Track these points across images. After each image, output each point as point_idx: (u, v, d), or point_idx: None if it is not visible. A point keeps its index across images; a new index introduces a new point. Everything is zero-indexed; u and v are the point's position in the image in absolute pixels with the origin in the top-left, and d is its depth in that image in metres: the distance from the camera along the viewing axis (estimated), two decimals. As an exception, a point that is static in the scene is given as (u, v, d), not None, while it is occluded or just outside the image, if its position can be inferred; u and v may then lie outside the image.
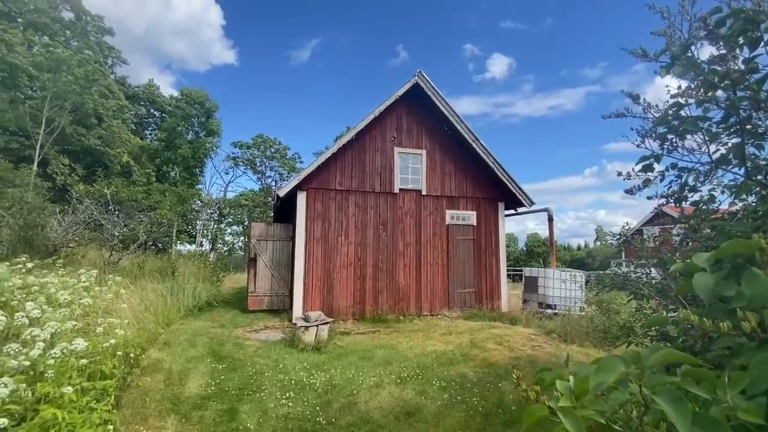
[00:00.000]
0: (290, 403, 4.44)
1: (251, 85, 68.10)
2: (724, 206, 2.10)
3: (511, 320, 8.77)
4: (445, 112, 9.88)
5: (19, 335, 3.49)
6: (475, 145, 10.03)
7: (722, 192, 2.08)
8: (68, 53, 22.07)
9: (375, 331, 7.84)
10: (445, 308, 9.78)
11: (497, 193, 10.62)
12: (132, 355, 4.78)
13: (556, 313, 9.40)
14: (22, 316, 3.50)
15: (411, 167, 10.05)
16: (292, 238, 9.51)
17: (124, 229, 10.97)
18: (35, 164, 20.48)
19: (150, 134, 33.73)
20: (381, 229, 9.59)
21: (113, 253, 10.10)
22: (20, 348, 3.05)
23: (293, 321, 7.95)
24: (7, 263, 5.34)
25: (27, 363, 2.98)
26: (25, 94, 21.76)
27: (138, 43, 51.74)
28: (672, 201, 2.06)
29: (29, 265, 5.36)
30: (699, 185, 2.03)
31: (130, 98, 29.98)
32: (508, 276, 12.58)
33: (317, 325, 6.77)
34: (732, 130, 1.82)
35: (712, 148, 1.86)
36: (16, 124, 20.30)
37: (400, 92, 9.57)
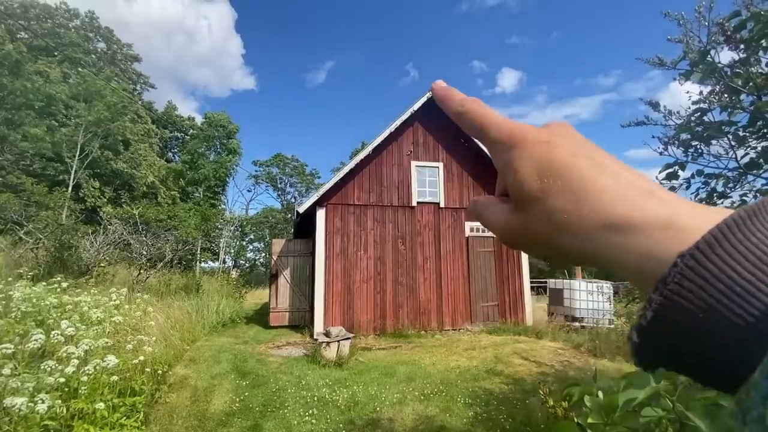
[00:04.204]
0: (313, 420, 4.42)
1: (270, 107, 70.97)
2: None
3: (536, 334, 8.53)
4: (461, 124, 9.90)
5: (54, 353, 3.64)
6: (492, 157, 9.97)
7: (755, 197, 2.00)
8: (102, 83, 23.39)
9: (396, 346, 7.75)
10: (468, 322, 9.60)
11: (517, 203, 10.46)
12: (159, 371, 4.88)
13: (583, 326, 9.08)
14: (58, 334, 3.65)
15: (428, 180, 10.06)
16: (312, 254, 9.60)
17: (152, 249, 11.33)
18: (69, 188, 21.54)
19: (174, 156, 35.05)
20: (400, 242, 9.58)
21: (141, 271, 10.43)
22: (56, 365, 3.17)
23: (314, 337, 7.96)
24: (44, 283, 5.59)
25: (62, 380, 3.10)
26: (61, 122, 23.05)
27: (165, 73, 54.80)
28: (700, 208, 1.99)
29: (64, 284, 5.59)
30: (729, 191, 1.97)
31: (155, 122, 31.34)
32: (532, 288, 12.28)
33: (338, 341, 6.76)
34: (760, 133, 1.76)
35: (740, 152, 1.80)
36: (53, 151, 21.47)
37: (416, 106, 9.67)
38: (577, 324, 9.38)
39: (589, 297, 9.79)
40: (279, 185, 38.45)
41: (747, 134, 1.79)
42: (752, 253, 0.18)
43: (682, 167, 1.72)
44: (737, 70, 1.68)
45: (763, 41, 1.63)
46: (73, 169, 21.94)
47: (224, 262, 29.90)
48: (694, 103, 1.66)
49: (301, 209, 9.12)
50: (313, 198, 9.11)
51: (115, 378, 3.54)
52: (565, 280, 10.76)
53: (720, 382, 0.19)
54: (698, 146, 1.70)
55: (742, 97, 1.56)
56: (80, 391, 3.20)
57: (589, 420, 0.72)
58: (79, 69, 24.88)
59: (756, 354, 0.17)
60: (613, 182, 0.24)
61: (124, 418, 3.50)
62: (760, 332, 0.17)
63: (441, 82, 0.36)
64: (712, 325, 0.18)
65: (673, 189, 1.78)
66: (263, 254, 33.61)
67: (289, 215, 32.75)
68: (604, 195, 0.23)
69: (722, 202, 2.06)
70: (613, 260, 0.23)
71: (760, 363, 0.16)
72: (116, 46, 28.81)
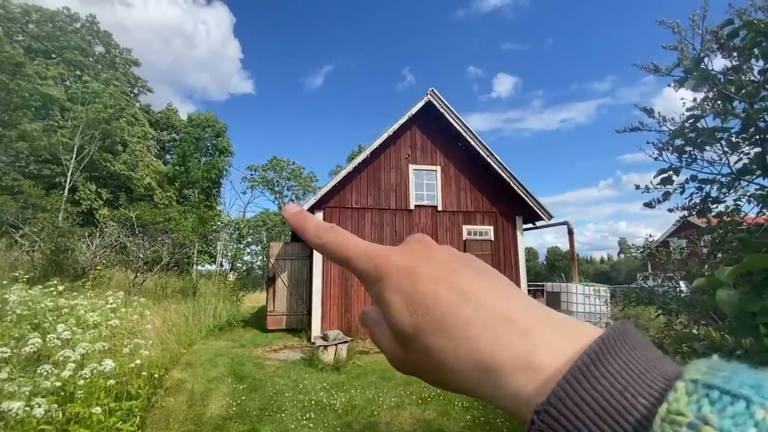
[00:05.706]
0: (311, 424, 4.40)
1: (267, 111, 71.34)
2: (752, 215, 2.04)
3: (533, 337, 8.54)
4: (459, 128, 9.94)
5: (50, 356, 3.62)
6: (489, 160, 10.01)
7: (748, 202, 2.03)
8: (101, 87, 23.35)
9: (394, 349, 7.74)
10: (465, 325, 9.59)
11: (514, 207, 10.51)
12: (156, 375, 4.86)
13: (580, 330, 9.10)
14: (54, 338, 3.63)
15: (426, 183, 10.08)
16: (310, 257, 9.60)
17: (149, 251, 11.28)
18: (66, 190, 21.43)
19: (171, 158, 34.88)
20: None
21: (138, 274, 10.37)
22: (52, 369, 3.15)
23: (312, 340, 7.94)
24: (40, 286, 5.56)
25: (58, 384, 3.08)
26: (59, 123, 22.96)
27: (163, 76, 54.95)
28: (694, 213, 2.02)
29: (60, 287, 5.56)
30: (723, 196, 1.99)
31: (153, 124, 31.21)
32: (530, 291, 12.31)
33: (336, 345, 6.74)
34: (753, 139, 1.79)
35: (734, 158, 1.83)
36: (49, 152, 21.37)
37: (413, 111, 9.71)
38: (574, 327, 9.40)
39: (587, 300, 9.81)
40: (276, 188, 38.37)
41: (740, 140, 1.82)
42: (598, 404, 0.18)
43: (677, 172, 1.74)
44: (730, 78, 1.71)
45: (755, 49, 1.66)
46: (70, 171, 21.85)
47: (221, 265, 29.75)
48: (688, 109, 1.69)
49: (299, 212, 9.12)
50: (311, 201, 9.12)
51: (111, 382, 3.52)
52: (562, 284, 10.79)
53: None
54: (692, 152, 1.72)
55: (735, 103, 1.58)
56: (77, 395, 3.18)
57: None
58: (78, 72, 24.83)
59: None
60: (475, 312, 0.23)
61: (121, 422, 3.48)
62: None
63: (291, 207, 0.32)
64: None
65: (668, 194, 1.80)
66: (261, 257, 33.49)
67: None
68: (469, 329, 0.23)
69: (716, 207, 2.09)
70: (494, 401, 0.22)
71: None
72: (115, 51, 28.74)
